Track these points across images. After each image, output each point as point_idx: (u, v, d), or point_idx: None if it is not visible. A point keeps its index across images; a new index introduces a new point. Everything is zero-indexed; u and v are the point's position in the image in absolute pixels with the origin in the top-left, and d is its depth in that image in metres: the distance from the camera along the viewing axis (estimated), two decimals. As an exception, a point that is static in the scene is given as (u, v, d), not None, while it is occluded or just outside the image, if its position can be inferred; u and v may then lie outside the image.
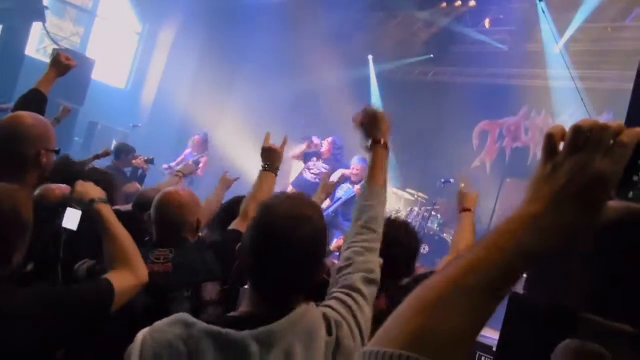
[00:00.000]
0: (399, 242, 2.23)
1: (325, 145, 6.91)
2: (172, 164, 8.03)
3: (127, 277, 1.71)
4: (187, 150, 8.38)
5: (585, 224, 0.70)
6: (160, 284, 2.00)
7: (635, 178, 0.71)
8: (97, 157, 5.76)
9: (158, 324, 1.24)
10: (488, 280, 0.67)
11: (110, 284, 1.63)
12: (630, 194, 0.72)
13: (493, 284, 0.67)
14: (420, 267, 2.89)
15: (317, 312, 1.27)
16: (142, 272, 1.78)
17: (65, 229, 1.83)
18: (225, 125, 10.31)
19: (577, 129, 0.72)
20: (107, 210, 1.83)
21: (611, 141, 0.70)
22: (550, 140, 0.73)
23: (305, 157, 7.13)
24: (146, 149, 7.15)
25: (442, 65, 10.57)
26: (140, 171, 6.38)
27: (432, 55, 10.43)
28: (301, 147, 7.02)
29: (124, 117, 9.88)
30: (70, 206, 1.85)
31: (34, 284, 1.48)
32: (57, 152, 2.06)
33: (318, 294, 1.39)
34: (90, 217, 1.84)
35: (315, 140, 6.93)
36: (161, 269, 2.09)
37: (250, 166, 9.88)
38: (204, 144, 8.23)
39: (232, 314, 1.29)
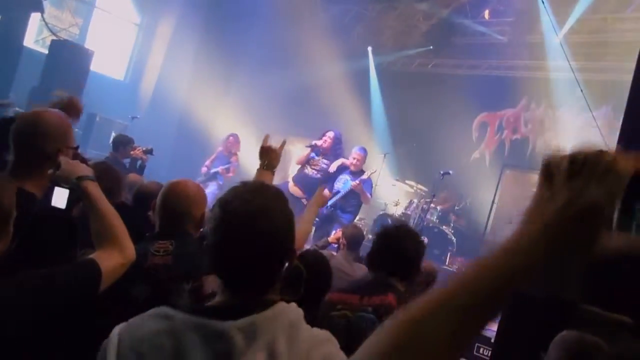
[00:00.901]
0: (407, 253, 2.38)
1: (327, 142, 6.85)
2: (207, 162, 8.67)
3: (114, 256, 1.70)
4: (220, 149, 8.82)
5: (580, 251, 0.70)
6: (160, 276, 1.98)
7: (638, 206, 0.70)
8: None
9: (135, 319, 1.21)
10: (477, 300, 0.67)
11: (97, 264, 1.61)
12: (634, 225, 0.70)
13: (482, 304, 0.67)
14: (426, 263, 2.92)
15: (296, 308, 1.25)
16: (129, 250, 1.76)
17: (55, 208, 1.80)
18: (224, 117, 10.30)
19: (574, 155, 0.71)
20: (94, 188, 1.80)
21: (607, 169, 0.70)
22: (548, 165, 0.73)
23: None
24: (146, 140, 7.15)
25: (441, 57, 10.55)
26: (139, 162, 6.36)
27: (431, 47, 10.41)
28: (306, 153, 7.00)
29: (123, 109, 9.86)
30: (58, 185, 1.82)
31: (20, 271, 1.45)
32: (75, 149, 2.08)
33: (293, 285, 1.36)
34: (78, 196, 1.81)
35: (319, 142, 6.88)
36: (161, 261, 2.07)
37: (250, 159, 9.90)
38: (235, 145, 8.72)
39: (210, 303, 1.27)
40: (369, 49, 11.04)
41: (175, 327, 1.16)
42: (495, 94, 9.46)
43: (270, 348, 1.14)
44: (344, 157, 6.95)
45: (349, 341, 2.20)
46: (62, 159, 1.86)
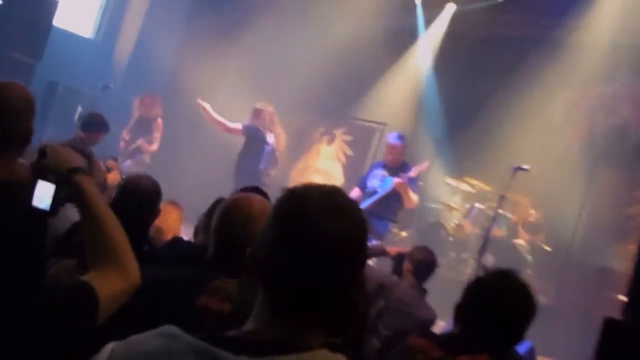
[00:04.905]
0: (518, 309, 2.39)
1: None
2: (125, 135, 8.98)
3: (115, 280, 1.68)
4: (136, 115, 9.12)
5: None
6: (207, 324, 1.91)
7: None
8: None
9: (137, 335, 1.25)
10: None
11: (94, 291, 1.61)
12: None
13: None
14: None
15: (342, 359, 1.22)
16: (134, 274, 1.74)
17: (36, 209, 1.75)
18: (224, 90, 10.36)
19: None
20: (90, 185, 1.77)
21: None
22: None
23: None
24: (121, 117, 7.20)
25: (513, 13, 10.45)
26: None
27: (500, 0, 10.34)
28: None
29: (92, 75, 9.94)
30: (42, 178, 1.76)
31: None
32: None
33: (352, 340, 1.34)
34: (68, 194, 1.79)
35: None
36: (215, 307, 2.01)
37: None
38: (155, 106, 9.09)
39: (231, 332, 1.27)
40: (418, 1, 11.02)
41: (175, 348, 1.18)
42: (585, 65, 9.34)
43: None
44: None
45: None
46: (49, 145, 1.84)
